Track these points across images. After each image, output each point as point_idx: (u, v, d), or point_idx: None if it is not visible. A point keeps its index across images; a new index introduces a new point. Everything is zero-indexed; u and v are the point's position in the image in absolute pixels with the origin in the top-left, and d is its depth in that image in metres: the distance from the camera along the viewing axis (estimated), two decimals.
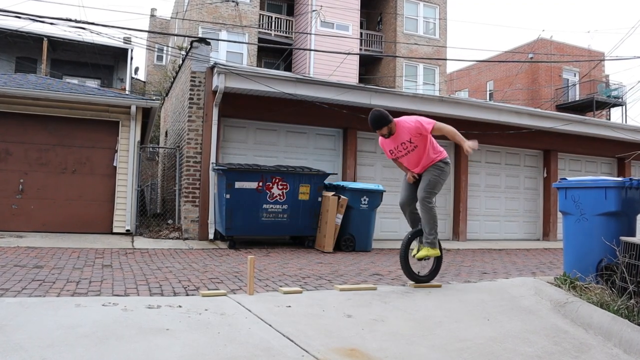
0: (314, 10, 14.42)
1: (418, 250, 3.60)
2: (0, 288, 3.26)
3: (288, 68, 15.74)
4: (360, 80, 15.38)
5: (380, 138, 3.68)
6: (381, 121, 3.48)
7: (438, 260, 3.72)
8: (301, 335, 2.36)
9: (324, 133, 8.03)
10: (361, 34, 16.45)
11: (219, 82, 6.78)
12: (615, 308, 2.74)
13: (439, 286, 3.63)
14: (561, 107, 19.00)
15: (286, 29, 15.92)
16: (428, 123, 3.46)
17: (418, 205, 3.58)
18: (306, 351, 2.16)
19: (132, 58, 15.80)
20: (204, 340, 2.21)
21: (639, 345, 2.38)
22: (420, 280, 3.64)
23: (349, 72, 14.78)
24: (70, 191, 7.03)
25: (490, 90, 21.92)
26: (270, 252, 5.99)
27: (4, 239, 5.96)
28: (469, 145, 3.36)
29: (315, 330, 2.46)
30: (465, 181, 8.76)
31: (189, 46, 7.44)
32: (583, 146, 9.78)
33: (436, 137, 3.66)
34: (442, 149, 3.65)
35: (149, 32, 13.10)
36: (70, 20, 6.31)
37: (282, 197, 6.31)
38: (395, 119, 3.55)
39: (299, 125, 7.78)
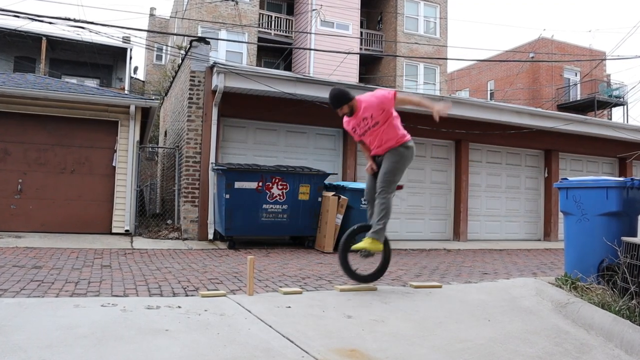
0: (314, 10, 14.40)
1: (361, 240, 3.30)
2: None
3: (288, 67, 15.72)
4: (361, 79, 15.37)
5: (344, 122, 3.54)
6: (341, 99, 3.29)
7: (385, 260, 3.41)
8: (301, 336, 2.35)
9: (324, 133, 8.01)
10: (361, 33, 16.43)
11: (218, 82, 6.77)
12: (617, 309, 2.73)
13: (440, 286, 3.62)
14: (562, 107, 18.97)
15: (286, 28, 15.90)
16: (389, 92, 3.28)
17: (376, 193, 3.31)
18: (306, 352, 2.15)
19: (131, 57, 15.79)
20: (204, 341, 2.21)
21: None
22: (360, 278, 3.32)
23: (349, 71, 14.76)
24: (69, 191, 7.01)
25: (491, 90, 21.90)
26: (270, 252, 5.98)
27: (2, 239, 5.94)
28: (438, 110, 3.15)
29: (315, 330, 2.45)
30: (465, 181, 8.75)
31: (189, 45, 7.42)
32: (584, 146, 9.75)
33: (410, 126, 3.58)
34: (405, 131, 3.43)
35: (148, 31, 13.08)
36: (69, 19, 6.29)
37: (282, 197, 6.30)
38: (357, 97, 3.37)
39: (299, 125, 7.76)
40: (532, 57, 19.24)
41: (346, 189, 6.46)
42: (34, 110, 6.93)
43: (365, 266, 3.51)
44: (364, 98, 3.34)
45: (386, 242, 3.36)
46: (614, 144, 9.77)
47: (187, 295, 3.25)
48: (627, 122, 18.46)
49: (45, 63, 14.37)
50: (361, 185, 6.74)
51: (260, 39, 15.01)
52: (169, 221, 7.98)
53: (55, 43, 14.47)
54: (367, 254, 3.28)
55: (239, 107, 7.26)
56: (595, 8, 73.40)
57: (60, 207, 6.95)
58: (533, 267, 5.50)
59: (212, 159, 6.98)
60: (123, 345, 2.09)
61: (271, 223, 6.27)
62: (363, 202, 6.48)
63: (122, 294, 3.22)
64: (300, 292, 3.29)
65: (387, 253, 3.42)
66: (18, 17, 5.99)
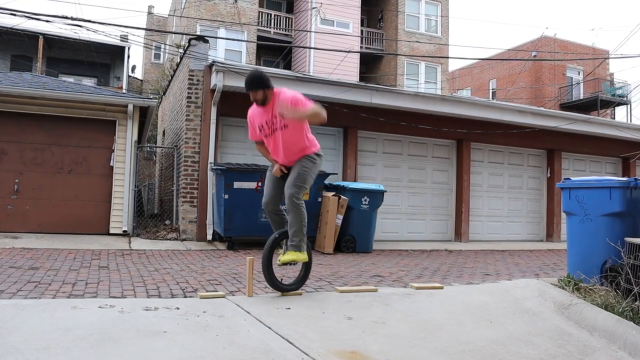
0: (314, 8, 14.35)
1: (284, 254, 3.09)
2: None
3: (288, 66, 15.67)
4: (361, 78, 15.32)
5: (250, 111, 3.18)
6: (261, 82, 3.01)
7: (307, 267, 3.21)
8: (301, 337, 2.34)
9: (324, 132, 7.96)
10: (362, 31, 16.37)
11: (217, 81, 6.72)
12: (620, 310, 2.72)
13: (441, 288, 3.59)
14: (565, 106, 18.88)
15: (286, 26, 15.85)
16: (307, 101, 3.00)
17: (286, 202, 3.04)
18: (306, 354, 2.14)
19: (129, 56, 15.74)
20: (202, 343, 2.19)
21: None
22: (285, 289, 3.13)
23: (350, 70, 14.72)
24: (66, 191, 6.96)
25: (492, 89, 21.81)
26: None
27: None
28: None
29: (315, 332, 2.43)
30: (467, 181, 8.70)
31: (187, 44, 7.38)
32: (587, 146, 9.68)
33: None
34: (315, 140, 3.18)
35: (146, 29, 13.02)
36: (66, 17, 6.25)
37: None
38: (277, 89, 3.08)
39: None
40: (535, 56, 19.13)
41: (346, 189, 6.42)
42: (31, 109, 6.88)
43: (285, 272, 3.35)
44: (285, 92, 3.05)
45: (307, 248, 3.18)
46: (617, 143, 9.71)
47: (185, 297, 3.23)
48: (631, 121, 18.34)
49: (42, 62, 14.31)
50: (362, 185, 6.71)
51: (259, 38, 14.95)
52: (167, 222, 7.94)
53: (52, 41, 14.40)
54: (293, 264, 3.14)
55: (238, 106, 7.19)
56: (598, 6, 73.22)
57: (57, 208, 6.90)
58: (535, 268, 5.47)
59: (211, 158, 6.93)
60: (121, 347, 2.07)
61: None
62: (364, 203, 6.45)
63: (119, 295, 3.19)
64: (300, 294, 3.26)
65: (309, 259, 3.21)
66: (14, 15, 5.95)
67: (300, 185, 3.06)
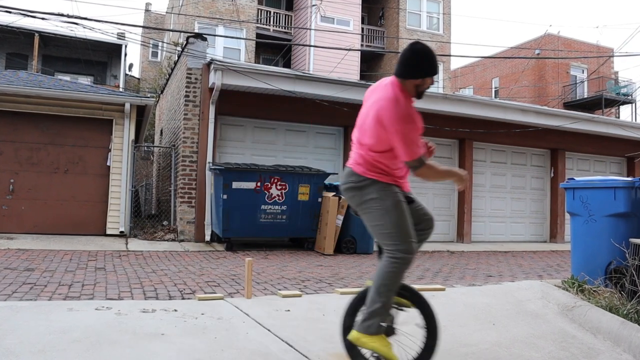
0: (313, 5, 14.28)
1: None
2: None
3: (287, 64, 15.62)
4: (362, 77, 15.29)
5: (410, 104, 2.02)
6: None
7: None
8: (300, 340, 2.33)
9: (324, 131, 7.93)
10: (362, 29, 16.32)
11: (215, 79, 6.67)
12: (625, 312, 2.70)
13: (443, 289, 3.56)
14: (569, 105, 18.80)
15: (285, 24, 15.79)
16: None
17: (430, 227, 2.22)
18: (306, 356, 2.13)
19: (126, 54, 15.65)
20: (200, 346, 2.17)
21: None
22: None
23: (350, 68, 14.67)
24: (62, 191, 6.90)
25: (495, 88, 21.72)
26: (268, 254, 5.91)
27: None
28: None
29: (315, 335, 2.43)
30: (469, 181, 8.68)
31: (185, 42, 7.34)
32: (591, 145, 9.62)
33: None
34: None
35: (143, 27, 12.94)
36: (62, 15, 6.19)
37: (280, 198, 6.21)
38: None
39: (298, 124, 7.68)
40: (538, 54, 19.01)
41: None
42: (26, 108, 6.82)
43: None
44: None
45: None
46: (622, 143, 9.68)
47: (183, 299, 3.22)
48: (636, 120, 18.27)
49: (38, 60, 14.23)
50: None
51: (258, 35, 14.89)
52: (165, 222, 7.89)
53: (48, 39, 14.30)
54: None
55: (237, 105, 7.17)
56: (602, 4, 73.07)
57: (53, 208, 6.84)
58: (539, 269, 5.46)
59: (209, 158, 6.88)
60: (117, 350, 2.06)
61: (270, 224, 6.18)
62: None
63: (116, 297, 3.17)
64: (299, 295, 3.23)
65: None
66: (10, 12, 5.89)
67: None
